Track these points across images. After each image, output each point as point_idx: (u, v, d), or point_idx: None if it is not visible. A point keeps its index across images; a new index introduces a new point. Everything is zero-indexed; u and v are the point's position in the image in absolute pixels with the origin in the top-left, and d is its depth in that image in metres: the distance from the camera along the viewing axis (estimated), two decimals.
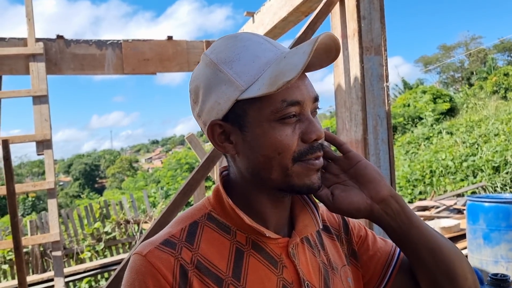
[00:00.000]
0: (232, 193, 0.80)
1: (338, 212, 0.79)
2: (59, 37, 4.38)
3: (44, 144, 3.86)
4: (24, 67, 4.17)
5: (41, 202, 27.72)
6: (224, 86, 0.73)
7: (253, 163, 0.75)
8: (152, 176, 28.83)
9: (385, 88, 2.47)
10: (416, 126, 17.78)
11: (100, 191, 40.92)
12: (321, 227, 0.83)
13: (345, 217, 0.96)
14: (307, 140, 0.73)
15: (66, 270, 4.45)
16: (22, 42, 4.25)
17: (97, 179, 50.26)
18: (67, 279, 5.08)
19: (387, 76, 2.48)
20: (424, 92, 21.01)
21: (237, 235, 0.77)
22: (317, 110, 0.77)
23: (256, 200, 0.79)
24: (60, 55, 4.35)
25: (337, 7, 2.63)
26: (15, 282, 4.67)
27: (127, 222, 7.16)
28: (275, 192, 0.77)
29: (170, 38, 4.71)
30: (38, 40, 4.27)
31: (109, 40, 4.54)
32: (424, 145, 15.02)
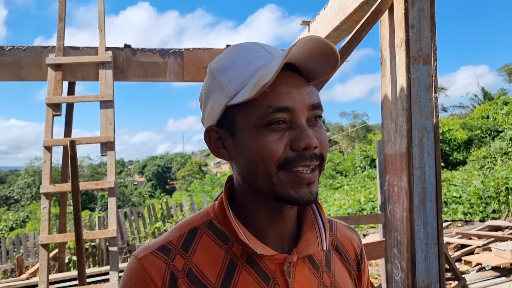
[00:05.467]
0: (234, 202, 0.80)
1: None
2: (126, 46, 4.67)
3: (107, 146, 4.12)
4: (95, 74, 4.50)
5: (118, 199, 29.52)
6: (218, 93, 0.75)
7: (241, 168, 0.75)
8: (219, 180, 29.49)
9: (434, 100, 2.36)
10: (494, 140, 16.59)
11: (170, 192, 42.63)
12: (324, 249, 0.79)
13: (363, 252, 0.94)
14: (295, 148, 0.70)
15: (122, 265, 4.71)
16: (94, 51, 4.60)
17: (168, 180, 52.41)
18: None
19: (435, 87, 2.38)
20: (506, 103, 19.60)
21: (233, 246, 0.76)
22: (319, 119, 0.75)
23: (253, 211, 0.78)
24: (127, 63, 4.65)
25: (386, 16, 2.57)
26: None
27: None
28: (271, 202, 0.76)
29: (228, 46, 4.84)
30: (108, 49, 4.59)
31: (172, 49, 4.77)
32: (501, 160, 13.96)
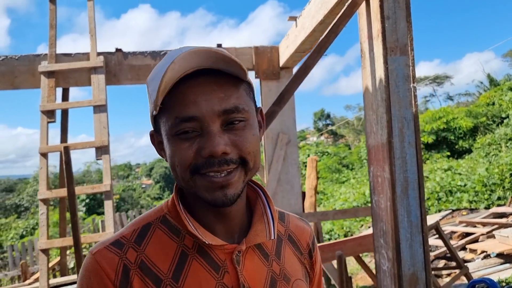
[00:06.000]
0: (185, 199, 0.84)
1: None
2: (118, 50, 4.72)
3: (102, 150, 4.18)
4: (87, 79, 4.55)
5: (125, 203, 29.69)
6: (149, 103, 0.80)
7: (171, 172, 0.81)
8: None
9: (412, 89, 2.37)
10: (499, 127, 16.47)
11: None
12: (272, 238, 0.83)
13: (315, 242, 0.98)
14: (202, 155, 0.74)
15: None
16: (86, 56, 4.65)
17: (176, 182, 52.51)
18: None
19: (414, 77, 2.38)
20: (511, 89, 19.41)
21: (185, 238, 0.80)
22: (238, 122, 0.76)
23: (197, 207, 0.82)
24: (119, 66, 4.69)
25: (363, 8, 2.58)
26: None
27: None
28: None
29: (219, 45, 4.87)
30: (99, 54, 4.64)
31: (163, 51, 4.81)
32: (506, 146, 13.86)
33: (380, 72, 2.39)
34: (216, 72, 0.75)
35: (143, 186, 50.02)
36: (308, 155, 20.17)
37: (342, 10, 2.52)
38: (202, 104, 0.73)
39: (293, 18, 4.20)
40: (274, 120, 4.91)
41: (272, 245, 0.88)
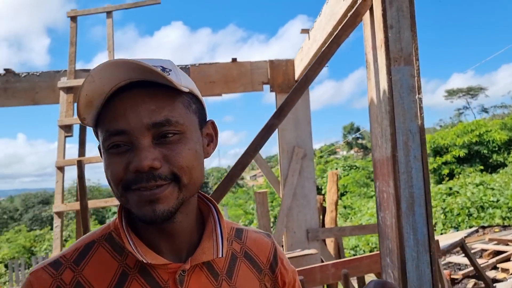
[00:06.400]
0: (132, 217, 0.80)
1: None
2: None
3: None
4: None
5: None
6: None
7: None
8: (252, 192, 29.54)
9: (418, 101, 2.27)
10: None
11: None
12: (220, 256, 0.79)
13: (277, 253, 0.93)
14: (130, 170, 0.71)
15: None
16: None
17: None
18: None
19: (419, 88, 2.28)
20: None
21: (128, 257, 0.77)
22: (172, 135, 0.72)
23: (141, 225, 0.79)
24: None
25: (367, 18, 2.51)
26: None
27: None
28: None
29: (234, 60, 4.88)
30: None
31: (179, 66, 4.85)
32: None
33: (383, 83, 2.31)
34: (151, 85, 0.73)
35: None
36: (336, 169, 19.92)
37: (345, 21, 2.46)
38: (130, 116, 0.71)
39: (306, 31, 4.16)
40: (289, 134, 4.87)
41: (224, 264, 0.84)
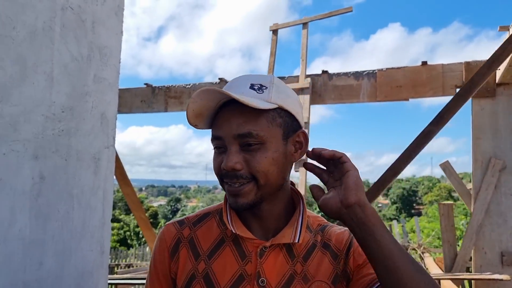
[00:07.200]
0: None
1: (321, 210, 0.93)
2: (324, 72, 5.10)
3: (300, 162, 4.58)
4: None
5: None
6: None
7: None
8: (463, 207, 26.57)
9: None
10: None
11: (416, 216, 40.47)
12: (295, 241, 0.95)
13: (353, 242, 1.04)
14: (221, 167, 0.92)
15: None
16: (296, 79, 5.20)
17: (414, 204, 50.14)
18: None
19: None
20: None
21: (227, 229, 1.00)
22: (253, 145, 0.89)
23: None
24: (324, 87, 5.06)
25: None
26: None
27: None
28: None
29: (424, 63, 4.67)
30: (307, 76, 5.12)
31: (366, 71, 4.93)
32: None
33: None
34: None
35: (379, 205, 49.56)
36: None
37: None
38: (224, 127, 0.92)
39: (505, 28, 3.70)
40: (486, 143, 4.40)
41: (302, 249, 0.99)
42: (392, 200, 50.23)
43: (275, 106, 0.91)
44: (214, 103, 0.93)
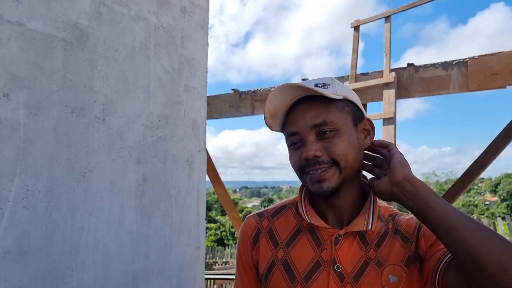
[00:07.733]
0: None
1: (375, 195, 1.02)
2: (409, 64, 4.92)
3: None
4: (380, 95, 4.98)
5: None
6: None
7: None
8: None
9: None
10: None
11: None
12: (368, 228, 1.00)
13: (422, 224, 1.07)
14: (302, 158, 0.99)
15: None
16: (380, 74, 5.09)
17: None
18: None
19: None
20: None
21: (303, 220, 1.08)
22: (328, 132, 0.97)
23: (315, 199, 1.10)
24: (410, 80, 4.89)
25: None
26: None
27: None
28: None
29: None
30: (392, 70, 4.99)
31: (455, 60, 4.68)
32: None
33: None
34: (313, 98, 1.00)
35: (487, 202, 45.72)
36: None
37: None
38: (299, 121, 1.00)
39: None
40: None
41: (375, 237, 1.04)
42: (502, 197, 45.98)
43: (342, 97, 0.99)
44: (286, 103, 1.02)
